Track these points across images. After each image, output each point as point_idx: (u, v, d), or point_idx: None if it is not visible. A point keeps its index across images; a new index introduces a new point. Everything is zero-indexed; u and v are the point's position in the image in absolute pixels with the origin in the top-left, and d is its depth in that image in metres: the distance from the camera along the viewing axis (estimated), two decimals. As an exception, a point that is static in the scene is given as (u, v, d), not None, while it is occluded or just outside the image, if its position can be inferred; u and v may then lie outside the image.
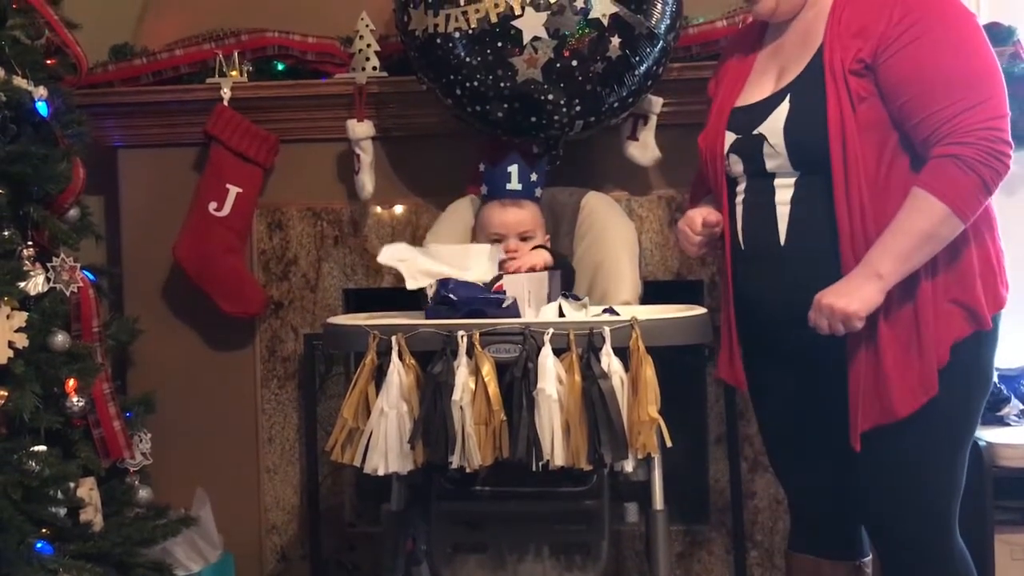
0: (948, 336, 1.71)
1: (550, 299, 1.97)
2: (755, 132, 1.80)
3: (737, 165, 1.85)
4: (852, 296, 1.67)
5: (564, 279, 2.11)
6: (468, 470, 1.74)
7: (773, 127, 1.77)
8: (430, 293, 1.86)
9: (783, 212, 1.78)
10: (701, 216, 1.91)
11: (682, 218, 1.97)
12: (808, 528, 2.01)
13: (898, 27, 1.68)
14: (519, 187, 2.18)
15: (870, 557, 1.99)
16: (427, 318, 1.85)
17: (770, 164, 1.79)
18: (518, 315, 1.84)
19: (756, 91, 1.85)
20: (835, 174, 1.71)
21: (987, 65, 1.69)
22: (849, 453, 1.82)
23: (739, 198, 1.86)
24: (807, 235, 1.76)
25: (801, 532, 2.03)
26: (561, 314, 1.89)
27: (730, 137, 1.86)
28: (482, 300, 1.83)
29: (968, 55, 1.68)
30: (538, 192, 2.23)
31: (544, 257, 2.13)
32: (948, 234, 1.68)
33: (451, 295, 1.81)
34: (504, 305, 1.82)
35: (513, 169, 2.19)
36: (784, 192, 1.78)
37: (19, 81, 2.08)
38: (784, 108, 1.77)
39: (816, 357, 1.81)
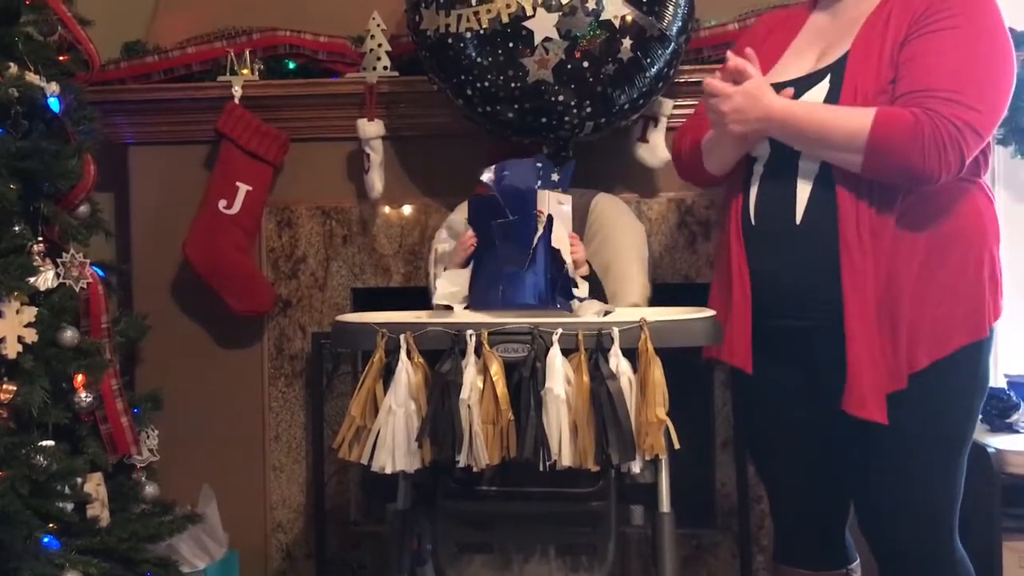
0: (952, 342, 1.71)
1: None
2: None
3: (762, 141, 1.83)
4: (749, 109, 1.74)
5: (595, 294, 2.09)
6: (475, 469, 1.74)
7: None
8: (433, 271, 1.87)
9: (804, 192, 1.76)
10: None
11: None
12: (795, 538, 2.00)
13: (937, 13, 1.68)
14: (538, 185, 2.18)
15: (858, 562, 1.99)
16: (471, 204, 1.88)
17: None
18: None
19: (792, 70, 1.84)
20: None
21: (1001, 85, 1.69)
22: (844, 456, 1.81)
23: (756, 175, 1.84)
24: (822, 217, 1.74)
25: (788, 543, 2.02)
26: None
27: None
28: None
29: (989, 66, 1.68)
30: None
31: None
32: (839, 160, 1.70)
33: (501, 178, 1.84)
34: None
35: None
36: (808, 171, 1.76)
37: (31, 77, 2.09)
38: (823, 87, 1.76)
39: (814, 352, 1.79)
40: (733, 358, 1.85)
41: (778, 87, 1.82)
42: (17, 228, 2.06)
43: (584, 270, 2.07)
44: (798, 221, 1.76)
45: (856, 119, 1.67)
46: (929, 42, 1.68)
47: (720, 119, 1.79)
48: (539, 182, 1.90)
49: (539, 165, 1.91)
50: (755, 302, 1.83)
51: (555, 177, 2.19)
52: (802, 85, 1.79)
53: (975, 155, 1.69)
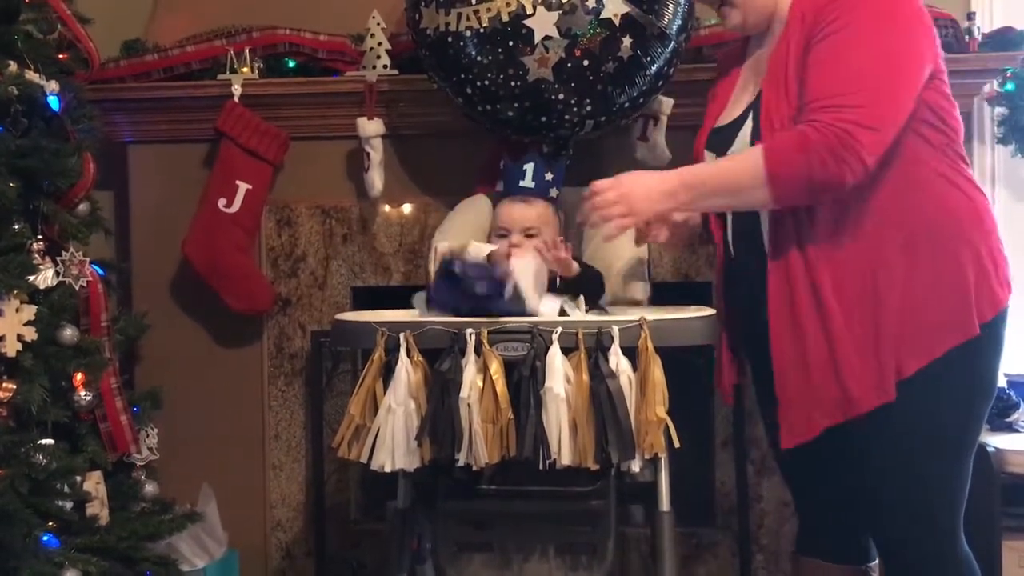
0: (942, 343, 1.68)
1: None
2: (730, 152, 1.81)
3: None
4: (644, 201, 1.74)
5: (593, 286, 2.09)
6: (475, 468, 1.74)
7: (742, 147, 1.78)
8: (433, 269, 1.85)
9: (767, 224, 1.77)
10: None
11: None
12: (815, 531, 2.00)
13: (823, 20, 1.67)
14: (532, 185, 2.18)
15: (877, 562, 1.99)
16: (429, 297, 1.84)
17: None
18: (521, 307, 1.80)
19: (735, 109, 1.86)
20: None
21: (895, 74, 1.65)
22: (853, 458, 1.81)
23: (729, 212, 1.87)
24: (787, 246, 1.74)
25: (808, 535, 2.02)
26: (563, 312, 1.89)
27: (710, 157, 1.87)
28: (487, 286, 1.79)
29: (871, 55, 1.64)
30: (553, 192, 2.22)
31: (566, 263, 2.10)
32: (753, 202, 1.70)
33: (456, 270, 1.79)
34: (506, 296, 1.79)
35: (528, 167, 2.19)
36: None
37: (31, 75, 2.09)
38: (748, 126, 1.78)
39: None
40: (720, 388, 1.96)
41: (719, 131, 1.86)
42: (17, 226, 2.06)
43: (573, 267, 2.06)
44: (768, 252, 1.76)
45: (749, 157, 1.69)
46: (817, 53, 1.67)
47: (628, 211, 1.75)
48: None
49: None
50: (748, 326, 1.87)
51: (549, 176, 2.20)
52: (732, 129, 1.81)
53: (928, 145, 1.68)
